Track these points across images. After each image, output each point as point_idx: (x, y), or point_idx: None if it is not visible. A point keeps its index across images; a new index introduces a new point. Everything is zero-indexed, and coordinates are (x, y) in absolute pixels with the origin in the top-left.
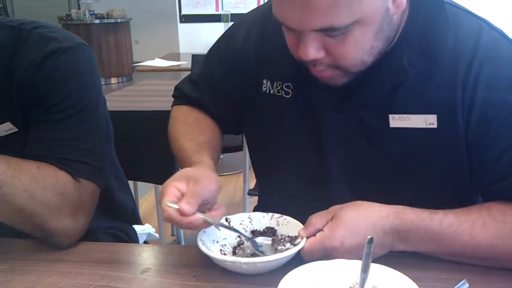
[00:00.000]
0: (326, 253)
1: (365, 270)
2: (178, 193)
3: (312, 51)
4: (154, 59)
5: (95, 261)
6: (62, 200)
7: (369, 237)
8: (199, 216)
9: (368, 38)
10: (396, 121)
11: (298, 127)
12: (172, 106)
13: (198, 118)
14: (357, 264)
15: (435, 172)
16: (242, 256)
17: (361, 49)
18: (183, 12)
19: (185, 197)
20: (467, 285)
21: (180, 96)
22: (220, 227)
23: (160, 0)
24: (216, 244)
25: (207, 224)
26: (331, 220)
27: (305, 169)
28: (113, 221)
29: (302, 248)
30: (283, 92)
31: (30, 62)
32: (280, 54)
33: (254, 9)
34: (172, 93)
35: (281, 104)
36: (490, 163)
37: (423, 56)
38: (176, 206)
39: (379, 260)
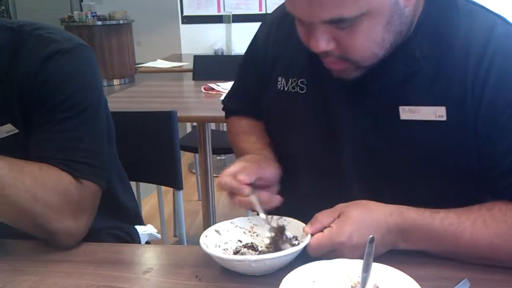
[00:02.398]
0: (334, 249)
1: (366, 269)
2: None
3: (322, 43)
4: (156, 60)
5: (97, 262)
6: (64, 201)
7: (371, 236)
8: (252, 199)
9: (378, 30)
10: (406, 113)
11: (312, 121)
12: (225, 118)
13: (249, 123)
14: (359, 263)
15: (444, 165)
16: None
17: (371, 41)
18: (185, 13)
19: (244, 169)
20: (469, 284)
21: (226, 110)
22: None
23: (162, 1)
24: (218, 248)
25: (246, 202)
26: (338, 217)
27: (318, 162)
28: (115, 222)
29: (309, 244)
30: (298, 88)
31: (30, 64)
32: (295, 51)
33: (277, 8)
34: (174, 94)
35: (296, 99)
36: (497, 158)
37: (435, 48)
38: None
39: (381, 259)
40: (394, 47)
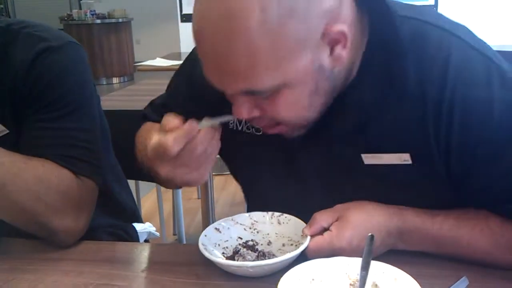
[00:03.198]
0: (333, 253)
1: (365, 267)
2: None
3: (244, 111)
4: (155, 58)
5: (96, 260)
6: (65, 199)
7: (370, 234)
8: (194, 120)
9: (302, 98)
10: (370, 159)
11: (272, 160)
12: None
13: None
14: (358, 261)
15: (416, 202)
16: (244, 258)
17: (296, 108)
18: (184, 12)
19: (165, 123)
20: (467, 282)
21: (144, 118)
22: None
23: None
24: (218, 247)
25: (208, 130)
26: (337, 220)
27: (287, 195)
28: (113, 220)
29: (308, 246)
30: (253, 129)
31: (19, 63)
32: None
33: None
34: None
35: (252, 141)
36: (479, 193)
37: (386, 93)
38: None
39: (380, 257)
40: (331, 101)
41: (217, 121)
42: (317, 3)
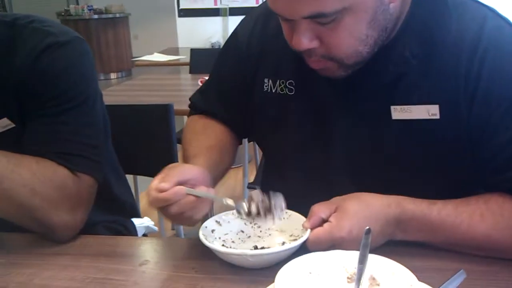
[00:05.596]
0: (334, 244)
1: (362, 260)
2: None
3: (305, 40)
4: (153, 53)
5: (93, 254)
6: (61, 194)
7: (367, 228)
8: (183, 188)
9: (361, 27)
10: (398, 112)
11: (303, 122)
12: (187, 116)
13: (205, 124)
14: (355, 255)
15: (437, 162)
16: (243, 248)
17: (354, 37)
18: (181, 7)
19: (165, 178)
20: (464, 275)
21: (193, 107)
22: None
23: None
24: (218, 239)
25: (192, 199)
26: (335, 211)
27: (310, 162)
28: (111, 215)
29: (308, 238)
30: (286, 90)
31: (26, 57)
32: (281, 51)
33: (261, 4)
34: (171, 87)
35: (285, 101)
36: (493, 152)
37: (425, 46)
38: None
39: (377, 250)
40: (380, 45)
41: (205, 195)
42: None
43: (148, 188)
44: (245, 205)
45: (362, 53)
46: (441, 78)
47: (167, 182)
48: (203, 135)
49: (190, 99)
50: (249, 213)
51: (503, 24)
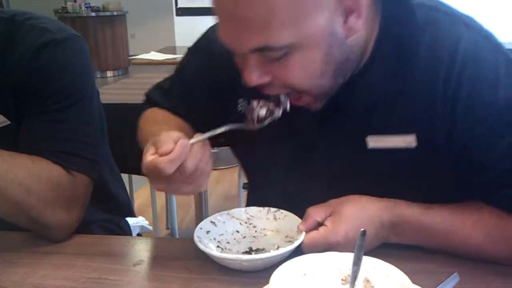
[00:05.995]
0: (329, 247)
1: (357, 262)
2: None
3: (254, 76)
4: (150, 52)
5: (88, 254)
6: (57, 194)
7: (362, 229)
8: (185, 140)
9: (314, 63)
10: (374, 142)
11: (278, 148)
12: (142, 108)
13: (166, 115)
14: (350, 256)
15: (417, 186)
16: (238, 250)
17: (307, 73)
18: (179, 5)
19: (158, 145)
20: (458, 278)
21: (150, 102)
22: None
23: None
24: (213, 241)
25: (200, 146)
26: (331, 215)
27: (290, 186)
28: (106, 214)
29: (304, 242)
30: None
31: (23, 54)
32: None
33: (208, 34)
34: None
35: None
36: (479, 171)
37: (398, 72)
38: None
39: (372, 252)
40: (351, 74)
41: (207, 135)
42: None
43: (146, 165)
44: (254, 110)
45: (324, 86)
46: (417, 106)
47: (165, 144)
48: (166, 124)
49: (146, 95)
50: (258, 119)
51: (478, 39)
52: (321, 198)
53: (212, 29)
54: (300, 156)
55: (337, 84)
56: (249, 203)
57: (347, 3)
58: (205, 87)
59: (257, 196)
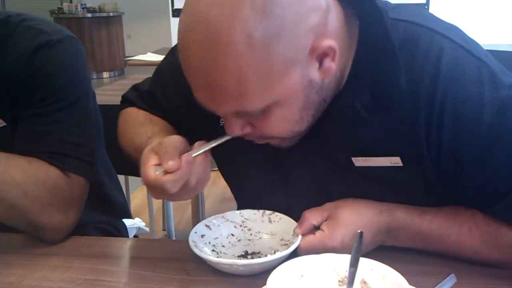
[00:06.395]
0: (325, 252)
1: (354, 264)
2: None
3: (236, 128)
4: (146, 53)
5: (84, 255)
6: (53, 195)
7: (359, 231)
8: (188, 154)
9: (293, 114)
10: (360, 162)
11: (263, 162)
12: (119, 111)
13: (147, 115)
14: (347, 258)
15: (407, 201)
16: (234, 254)
17: (287, 123)
18: (175, 6)
19: (163, 158)
20: (455, 279)
21: (127, 101)
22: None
23: None
24: (208, 244)
25: (202, 159)
26: (327, 219)
27: (272, 202)
28: (102, 216)
29: (300, 247)
30: None
31: (18, 56)
32: None
33: None
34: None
35: (243, 139)
36: (469, 195)
37: (376, 100)
38: (161, 169)
39: (368, 254)
40: (320, 112)
41: (210, 146)
42: (303, 21)
43: (148, 181)
44: None
45: (302, 129)
46: (400, 131)
47: (171, 160)
48: (148, 122)
49: (124, 96)
50: None
51: (461, 54)
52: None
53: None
54: (280, 172)
55: (312, 124)
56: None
57: (320, 51)
58: (181, 89)
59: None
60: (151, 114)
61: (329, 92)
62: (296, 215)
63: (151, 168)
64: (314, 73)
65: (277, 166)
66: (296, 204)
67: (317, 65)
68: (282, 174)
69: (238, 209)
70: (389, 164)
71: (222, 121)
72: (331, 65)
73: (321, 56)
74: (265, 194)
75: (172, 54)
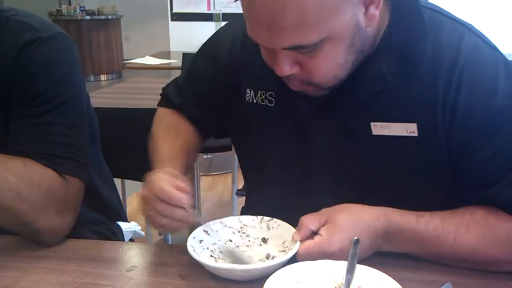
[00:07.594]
0: (324, 257)
1: (351, 271)
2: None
3: (286, 67)
4: (144, 56)
5: (80, 259)
6: (49, 198)
7: (355, 238)
8: (195, 217)
9: (340, 53)
10: (378, 129)
11: (283, 134)
12: (158, 105)
13: (178, 123)
14: (343, 264)
15: (418, 177)
16: (231, 259)
17: (333, 63)
18: (174, 10)
19: (172, 181)
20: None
21: (166, 98)
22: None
23: None
24: (206, 250)
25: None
26: (325, 224)
27: (290, 175)
28: (98, 219)
29: (299, 252)
30: (267, 101)
31: (7, 51)
32: (262, 63)
33: (240, 19)
34: (161, 92)
35: (265, 112)
36: (474, 170)
37: (403, 64)
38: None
39: (365, 261)
40: (357, 64)
41: (203, 224)
42: None
43: (161, 191)
44: None
45: (340, 77)
46: (419, 98)
47: (184, 183)
48: (176, 134)
49: (164, 89)
50: None
51: (480, 42)
52: (321, 186)
53: (221, 34)
54: (300, 143)
55: (350, 72)
56: (248, 205)
57: None
58: (213, 79)
59: (257, 196)
60: (181, 121)
61: (366, 46)
62: (309, 201)
63: (168, 183)
64: (361, 18)
65: (298, 139)
66: (313, 186)
67: (364, 10)
68: (302, 148)
69: (248, 206)
70: (405, 134)
71: (247, 95)
72: (375, 12)
73: (367, 3)
74: (282, 172)
75: (207, 41)
